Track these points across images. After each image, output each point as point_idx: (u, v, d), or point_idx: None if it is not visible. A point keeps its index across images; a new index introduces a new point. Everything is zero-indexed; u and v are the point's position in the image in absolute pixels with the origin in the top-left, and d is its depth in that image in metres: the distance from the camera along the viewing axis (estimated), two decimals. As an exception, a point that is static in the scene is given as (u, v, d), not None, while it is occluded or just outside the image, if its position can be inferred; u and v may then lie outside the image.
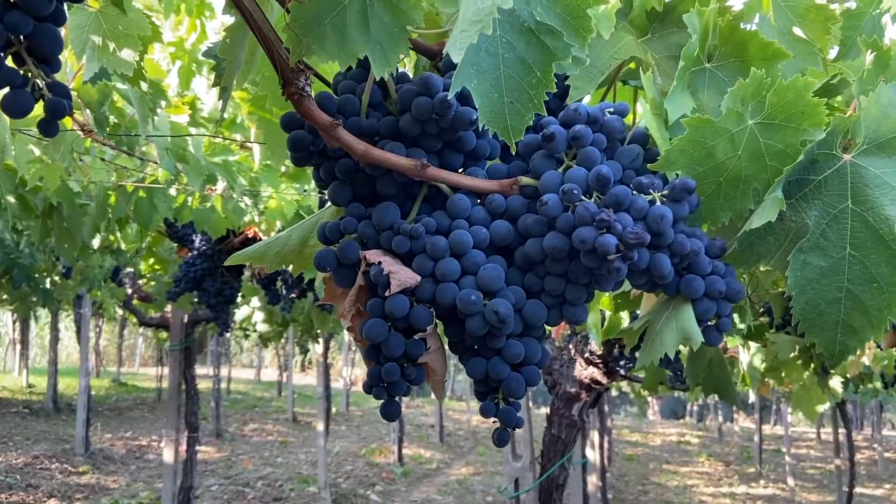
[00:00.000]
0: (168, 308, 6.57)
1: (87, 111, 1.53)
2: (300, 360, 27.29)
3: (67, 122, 1.62)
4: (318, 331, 7.19)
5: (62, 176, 1.93)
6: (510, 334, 0.85)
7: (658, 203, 0.79)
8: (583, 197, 0.79)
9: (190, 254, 3.27)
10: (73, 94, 1.48)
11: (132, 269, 6.01)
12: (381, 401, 0.87)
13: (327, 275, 0.94)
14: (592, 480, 7.32)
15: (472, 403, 22.49)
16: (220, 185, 2.35)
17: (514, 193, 0.87)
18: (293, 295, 3.30)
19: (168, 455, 6.44)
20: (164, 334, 14.49)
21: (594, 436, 7.83)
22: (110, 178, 2.31)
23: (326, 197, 1.01)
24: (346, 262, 0.87)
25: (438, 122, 0.84)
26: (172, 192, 2.40)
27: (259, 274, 3.27)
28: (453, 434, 17.70)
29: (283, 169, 2.87)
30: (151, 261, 3.51)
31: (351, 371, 22.34)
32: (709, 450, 18.71)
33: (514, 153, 0.78)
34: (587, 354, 2.68)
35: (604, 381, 2.75)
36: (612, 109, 0.85)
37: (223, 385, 16.45)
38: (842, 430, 12.13)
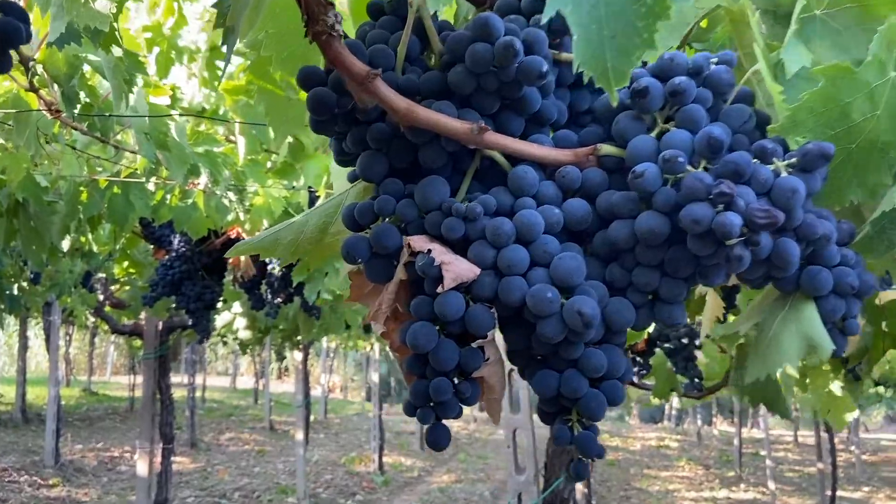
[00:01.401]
0: (142, 315, 6.33)
1: (55, 87, 1.34)
2: (277, 368, 26.96)
3: (32, 100, 1.42)
4: (300, 337, 6.97)
5: (27, 166, 1.73)
6: (588, 342, 0.68)
7: (784, 174, 0.63)
8: (688, 167, 0.63)
9: (167, 256, 3.06)
10: (39, 67, 1.30)
11: (104, 275, 5.77)
12: (422, 423, 0.69)
13: (354, 269, 0.76)
14: (579, 487, 7.18)
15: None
16: (203, 180, 2.15)
17: (590, 165, 0.70)
18: (279, 300, 3.10)
19: (142, 467, 6.21)
20: (137, 342, 14.16)
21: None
22: (82, 172, 2.11)
23: (347, 178, 0.84)
24: (382, 250, 0.70)
25: (498, 76, 0.67)
26: (151, 186, 2.20)
27: (242, 277, 3.07)
28: (433, 441, 17.48)
29: (268, 164, 2.68)
30: (126, 264, 3.30)
31: (329, 378, 22.05)
32: (688, 454, 18.68)
33: (614, 105, 0.61)
34: None
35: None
36: (715, 59, 0.68)
37: (198, 393, 16.13)
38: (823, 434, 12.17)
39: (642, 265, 0.67)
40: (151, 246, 3.27)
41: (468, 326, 0.67)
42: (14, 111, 1.39)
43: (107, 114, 1.59)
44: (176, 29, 2.28)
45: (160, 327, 6.31)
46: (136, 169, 2.10)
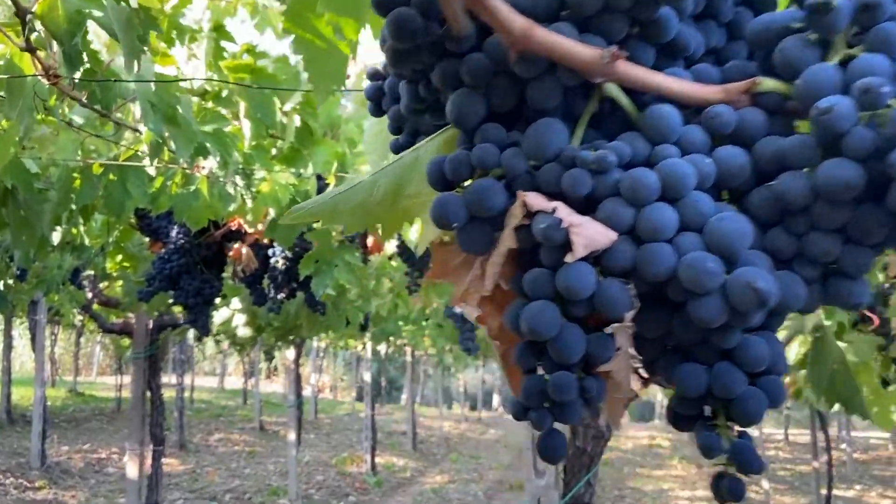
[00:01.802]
0: (131, 314, 6.14)
1: (54, 47, 1.18)
2: (265, 367, 26.77)
3: (26, 64, 1.26)
4: (292, 336, 6.82)
5: (15, 149, 1.56)
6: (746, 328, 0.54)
7: None
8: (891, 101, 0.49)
9: (164, 249, 2.90)
10: (37, 23, 1.14)
11: (93, 272, 5.59)
12: (536, 429, 0.55)
13: (436, 240, 0.62)
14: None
15: (444, 409, 22.18)
16: (209, 163, 1.99)
17: (744, 105, 0.55)
18: (282, 295, 2.94)
19: (132, 470, 6.05)
20: (125, 342, 13.94)
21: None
22: (76, 156, 1.95)
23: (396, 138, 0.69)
24: (484, 212, 0.55)
25: (632, -9, 0.53)
26: (151, 171, 2.03)
27: (243, 271, 2.91)
28: (426, 441, 17.40)
29: (272, 152, 2.53)
30: (119, 258, 3.13)
31: (319, 377, 21.84)
32: (680, 452, 18.64)
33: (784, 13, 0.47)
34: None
35: (639, 388, 2.44)
36: (906, -29, 0.54)
37: (185, 394, 15.93)
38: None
39: (818, 229, 0.53)
40: (147, 238, 3.10)
41: (599, 306, 0.52)
42: (6, 76, 1.23)
43: (112, 79, 1.43)
44: (180, 7, 2.12)
45: (150, 326, 6.13)
46: (137, 150, 1.94)
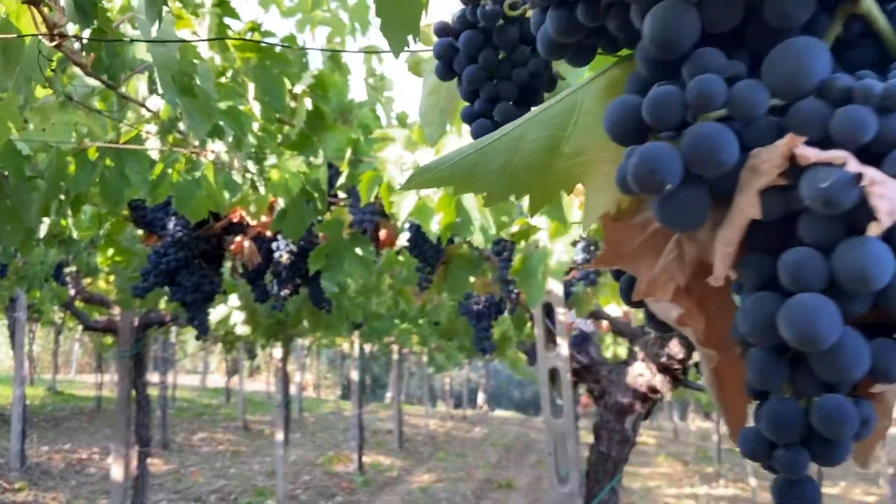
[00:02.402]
0: (116, 311, 5.93)
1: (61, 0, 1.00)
2: (248, 365, 26.53)
3: (25, 24, 1.08)
4: (282, 333, 6.64)
5: (15, 122, 1.37)
6: None
7: None
8: None
9: (160, 242, 2.71)
10: (40, -32, 0.98)
11: (76, 268, 5.38)
12: (784, 474, 0.39)
13: (607, 213, 0.46)
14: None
15: (428, 407, 22.10)
16: (217, 147, 1.80)
17: None
18: (286, 291, 2.76)
19: (117, 472, 5.86)
20: (107, 340, 13.67)
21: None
22: (70, 137, 1.76)
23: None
24: (711, 168, 0.39)
25: None
26: (154, 154, 1.84)
27: (245, 266, 2.73)
28: (412, 439, 17.26)
29: (279, 138, 2.36)
30: (111, 251, 2.94)
31: (303, 376, 21.59)
32: (665, 450, 18.65)
33: None
34: (664, 359, 2.22)
35: (664, 389, 2.31)
36: None
37: (168, 392, 15.67)
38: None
39: None
40: (140, 231, 2.91)
41: (888, 301, 0.37)
42: (2, 36, 1.06)
43: (128, 38, 1.25)
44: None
45: (136, 323, 5.93)
46: (140, 130, 1.75)
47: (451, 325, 6.63)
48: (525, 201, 0.52)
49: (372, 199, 2.18)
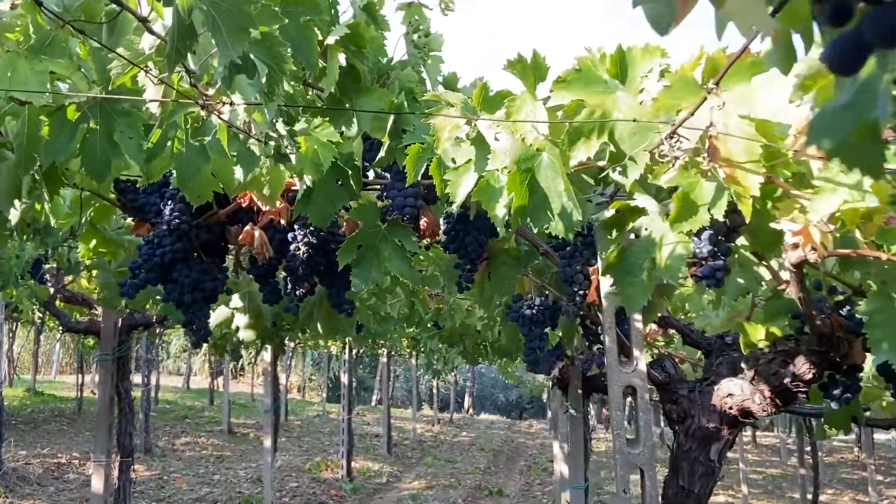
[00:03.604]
0: (99, 311, 5.50)
1: None
2: (232, 367, 26.00)
3: None
4: (275, 336, 6.19)
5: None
6: None
7: None
8: None
9: (153, 231, 2.28)
10: None
11: (56, 264, 4.93)
12: None
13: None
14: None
15: (415, 411, 21.72)
16: (237, 98, 1.36)
17: None
18: (301, 290, 2.31)
19: (97, 482, 5.41)
20: (89, 341, 13.14)
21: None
22: (44, 89, 1.34)
23: None
24: None
25: None
26: (154, 107, 1.40)
27: (253, 260, 2.30)
28: (400, 444, 16.86)
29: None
30: (93, 242, 2.49)
31: (288, 378, 21.07)
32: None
33: None
34: (788, 379, 1.79)
35: (761, 412, 1.90)
36: None
37: (150, 394, 15.17)
38: (787, 437, 11.66)
39: None
40: (130, 219, 2.46)
41: None
42: None
43: None
44: None
45: (119, 325, 5.50)
46: (135, 74, 1.31)
47: (454, 330, 6.23)
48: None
49: (419, 178, 1.77)
